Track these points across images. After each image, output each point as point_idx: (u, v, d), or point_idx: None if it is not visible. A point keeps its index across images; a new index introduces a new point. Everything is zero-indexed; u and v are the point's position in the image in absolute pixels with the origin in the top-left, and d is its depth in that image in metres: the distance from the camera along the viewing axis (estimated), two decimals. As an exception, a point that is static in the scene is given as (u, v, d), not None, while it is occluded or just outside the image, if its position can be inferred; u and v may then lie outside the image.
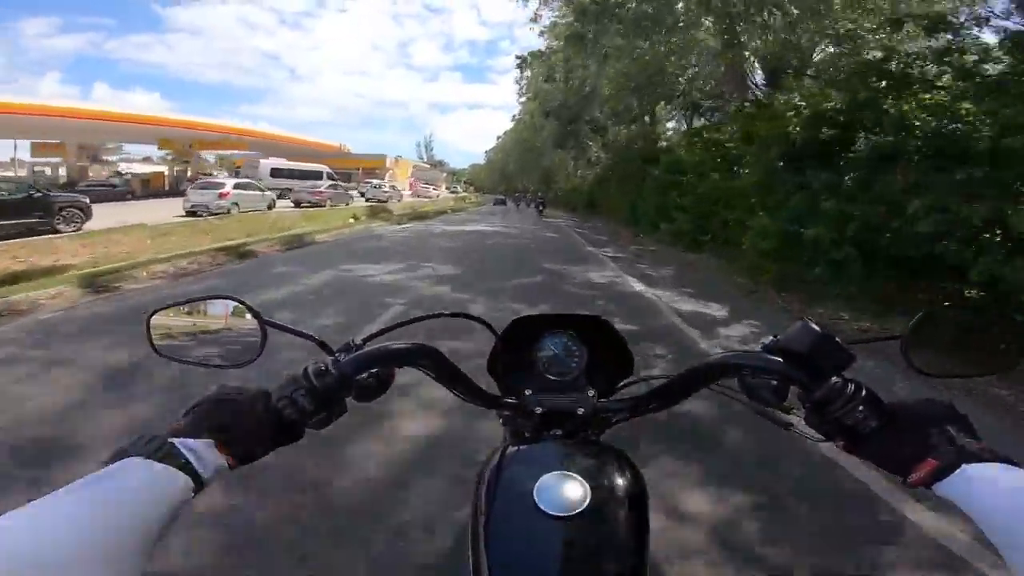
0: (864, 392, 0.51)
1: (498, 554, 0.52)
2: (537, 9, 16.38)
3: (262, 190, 20.70)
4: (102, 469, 0.41)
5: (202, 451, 0.46)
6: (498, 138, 69.42)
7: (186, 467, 0.44)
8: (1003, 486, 0.42)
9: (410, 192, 44.93)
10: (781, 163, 7.07)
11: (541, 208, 28.70)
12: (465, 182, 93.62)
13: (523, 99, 32.63)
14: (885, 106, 5.74)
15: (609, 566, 0.52)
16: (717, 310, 5.52)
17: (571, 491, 0.53)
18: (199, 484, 0.45)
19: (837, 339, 0.54)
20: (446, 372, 0.63)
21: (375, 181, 37.36)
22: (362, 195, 31.43)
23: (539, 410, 0.67)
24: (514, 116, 44.83)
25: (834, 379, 0.52)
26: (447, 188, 57.10)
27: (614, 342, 0.75)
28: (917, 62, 6.08)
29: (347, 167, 44.93)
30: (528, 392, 0.70)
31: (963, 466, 0.44)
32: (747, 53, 12.43)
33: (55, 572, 0.32)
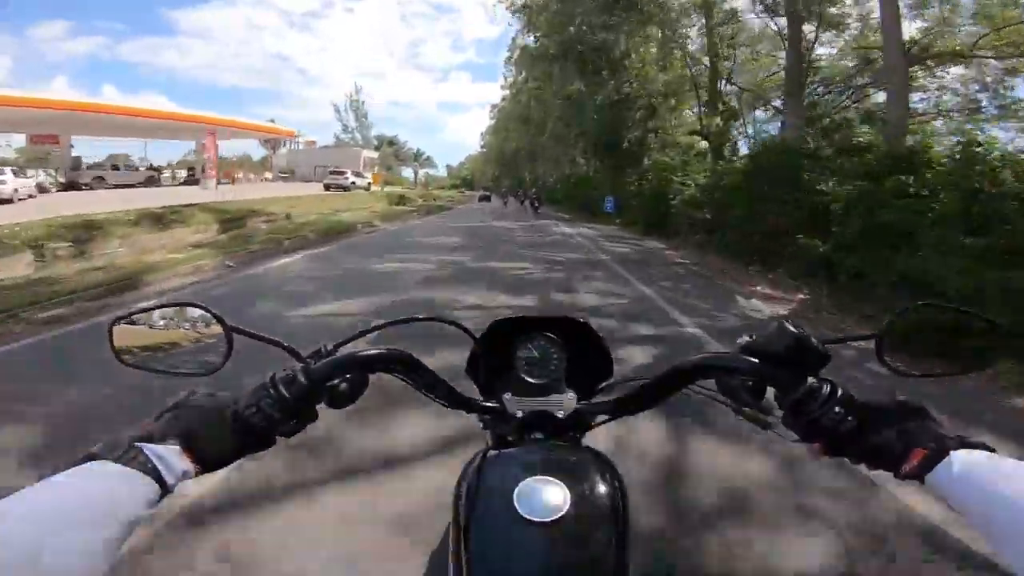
0: (840, 393, 0.52)
1: (479, 560, 0.52)
2: None
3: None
4: (68, 470, 0.41)
5: (168, 457, 0.46)
6: (494, 107, 51.74)
7: (152, 472, 0.44)
8: (988, 472, 0.43)
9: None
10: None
11: (536, 205, 25.05)
12: (453, 180, 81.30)
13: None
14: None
15: (590, 571, 0.52)
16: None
17: (551, 496, 0.53)
18: (164, 489, 0.45)
19: (813, 340, 0.54)
20: (421, 377, 0.62)
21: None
22: None
23: (519, 413, 0.66)
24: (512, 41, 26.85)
25: (810, 380, 0.53)
26: (353, 179, 30.57)
27: (593, 343, 0.75)
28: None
29: None
30: (508, 395, 0.69)
31: (951, 453, 0.45)
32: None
33: (19, 572, 0.32)
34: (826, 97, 16.11)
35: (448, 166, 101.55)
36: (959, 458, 0.45)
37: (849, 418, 0.51)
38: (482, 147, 69.40)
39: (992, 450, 0.45)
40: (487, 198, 42.71)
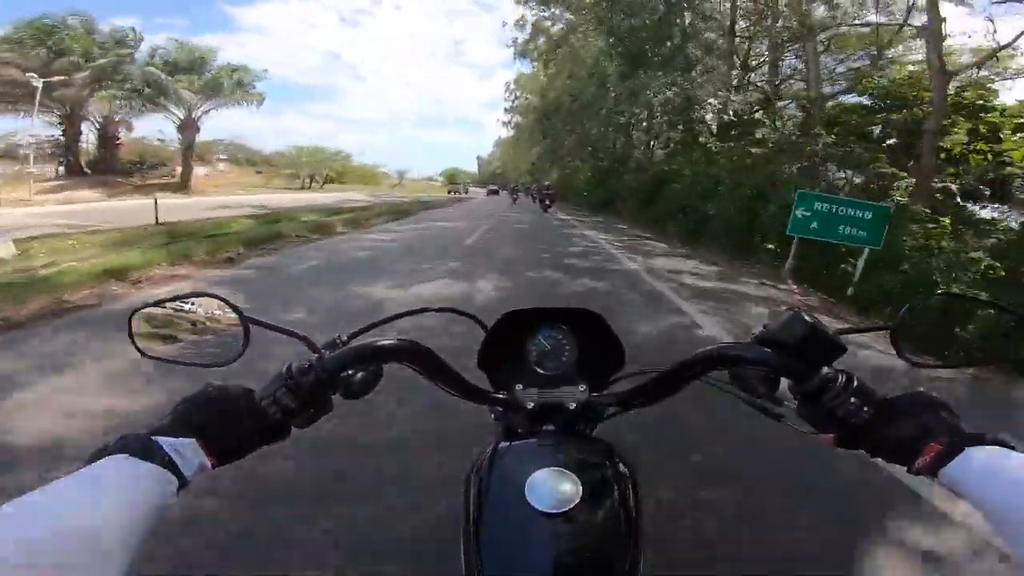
0: (855, 384, 0.51)
1: (490, 552, 0.52)
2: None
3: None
4: (85, 467, 0.42)
5: (185, 450, 0.46)
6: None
7: (169, 465, 0.44)
8: (1006, 468, 0.42)
9: None
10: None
11: (548, 203, 21.65)
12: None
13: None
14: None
15: (601, 562, 0.52)
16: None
17: (562, 487, 0.53)
18: (182, 482, 0.45)
19: (827, 330, 0.53)
20: (434, 368, 0.62)
21: None
22: None
23: (530, 405, 0.66)
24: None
25: (825, 370, 0.52)
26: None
27: (605, 335, 0.75)
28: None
29: None
30: (519, 387, 0.69)
31: (965, 449, 0.44)
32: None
33: (40, 570, 0.32)
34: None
35: (478, 158, 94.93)
36: (975, 454, 0.44)
37: (864, 409, 0.50)
38: (507, 114, 40.27)
39: (1011, 447, 0.44)
40: (495, 192, 41.80)
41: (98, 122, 27.67)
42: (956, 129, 9.36)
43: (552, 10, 20.42)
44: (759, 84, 15.47)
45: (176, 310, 0.61)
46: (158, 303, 0.61)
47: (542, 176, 36.89)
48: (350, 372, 0.58)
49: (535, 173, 39.98)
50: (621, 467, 0.60)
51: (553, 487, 0.53)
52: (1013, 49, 8.93)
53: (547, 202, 22.02)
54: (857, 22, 12.21)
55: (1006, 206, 9.52)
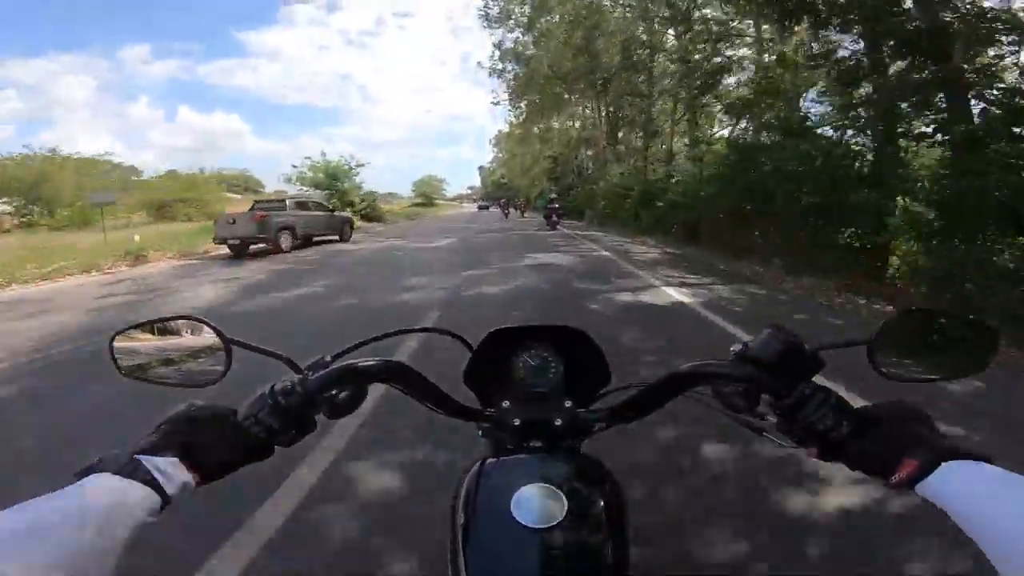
0: (833, 398, 0.52)
1: (476, 567, 0.52)
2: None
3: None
4: (68, 485, 0.42)
5: (168, 468, 0.47)
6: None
7: (152, 483, 0.44)
8: (982, 482, 0.43)
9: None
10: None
11: (555, 219, 18.85)
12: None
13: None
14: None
15: None
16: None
17: (548, 503, 0.53)
18: (165, 500, 0.45)
19: (805, 346, 0.55)
20: (418, 387, 0.63)
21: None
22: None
23: (516, 422, 0.67)
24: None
25: (803, 386, 0.53)
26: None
27: (591, 352, 0.75)
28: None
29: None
30: (506, 404, 0.69)
31: (942, 464, 0.45)
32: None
33: None
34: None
35: (480, 168, 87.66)
36: (952, 468, 0.44)
37: (842, 424, 0.51)
38: (494, 55, 26.77)
39: (988, 459, 0.44)
40: (485, 208, 41.11)
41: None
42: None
43: None
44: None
45: (158, 332, 0.61)
46: (139, 325, 0.61)
47: (579, 181, 29.29)
48: (334, 392, 0.58)
49: (556, 172, 30.84)
50: (607, 482, 0.60)
51: (539, 503, 0.53)
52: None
53: (553, 218, 19.34)
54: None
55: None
